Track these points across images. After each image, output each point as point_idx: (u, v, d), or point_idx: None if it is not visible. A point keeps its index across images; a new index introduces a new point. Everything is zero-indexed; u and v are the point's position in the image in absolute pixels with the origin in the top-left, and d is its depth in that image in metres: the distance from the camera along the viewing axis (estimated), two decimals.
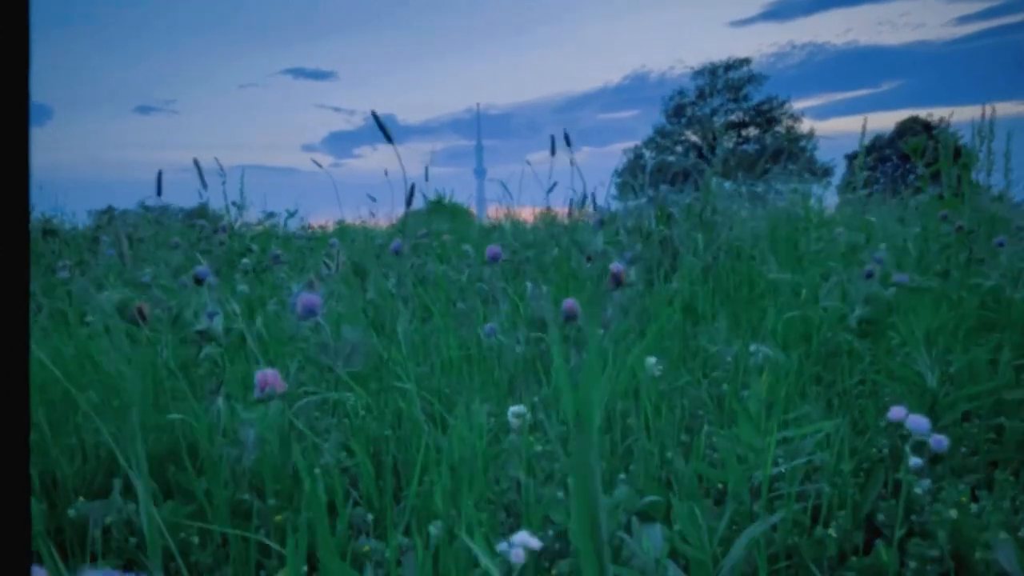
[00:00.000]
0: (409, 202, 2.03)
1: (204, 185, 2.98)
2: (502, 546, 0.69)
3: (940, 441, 0.97)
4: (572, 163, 2.93)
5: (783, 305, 1.90)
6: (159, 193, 2.61)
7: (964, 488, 1.07)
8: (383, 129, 1.61)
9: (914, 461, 0.97)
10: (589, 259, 2.72)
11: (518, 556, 0.67)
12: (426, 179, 3.10)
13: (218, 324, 1.52)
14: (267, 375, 1.02)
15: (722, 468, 1.03)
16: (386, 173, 2.47)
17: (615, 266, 1.67)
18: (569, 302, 1.45)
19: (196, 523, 1.13)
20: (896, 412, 0.96)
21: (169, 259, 3.26)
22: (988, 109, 3.05)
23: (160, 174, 2.57)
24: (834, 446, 1.12)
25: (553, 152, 2.79)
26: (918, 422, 0.95)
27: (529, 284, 2.29)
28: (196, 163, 2.95)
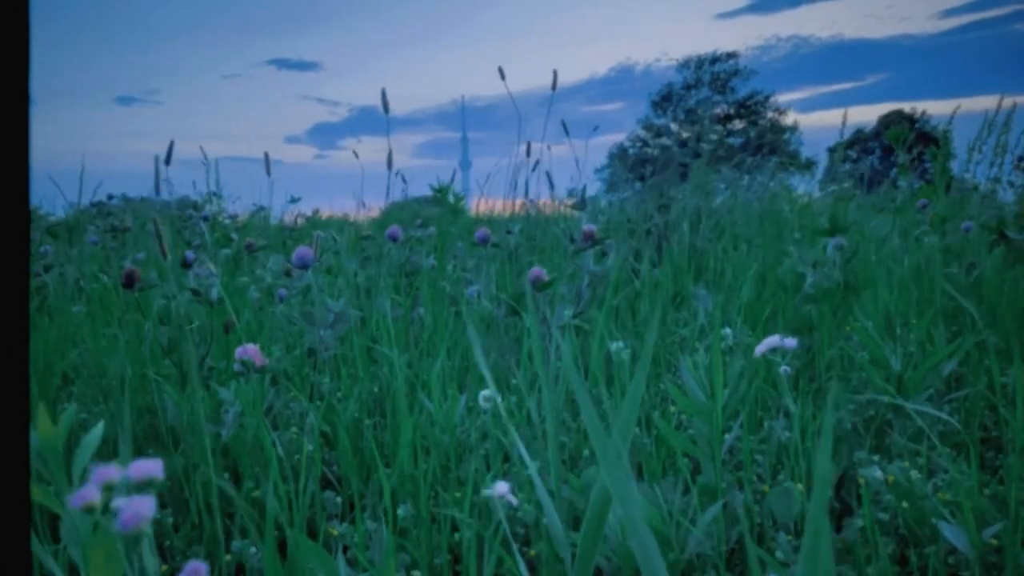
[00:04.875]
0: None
1: (206, 168, 2.98)
2: (486, 491, 0.72)
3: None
4: (538, 152, 2.97)
5: (753, 282, 1.93)
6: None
7: (916, 464, 1.10)
8: (385, 105, 1.64)
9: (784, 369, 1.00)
10: (572, 239, 2.76)
11: (502, 490, 0.70)
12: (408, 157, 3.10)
13: (213, 284, 1.53)
14: (247, 349, 1.03)
15: (691, 443, 1.05)
16: (355, 154, 2.47)
17: (586, 226, 1.70)
18: (536, 270, 1.48)
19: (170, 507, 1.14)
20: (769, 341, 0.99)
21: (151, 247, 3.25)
22: (979, 102, 3.12)
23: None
24: (796, 426, 1.14)
25: (567, 132, 2.90)
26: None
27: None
28: (204, 152, 2.98)
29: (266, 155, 2.35)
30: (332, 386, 1.50)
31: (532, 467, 0.70)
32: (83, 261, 2.85)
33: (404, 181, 3.63)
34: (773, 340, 0.99)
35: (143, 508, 0.45)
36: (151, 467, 0.47)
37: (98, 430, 0.71)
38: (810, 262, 1.71)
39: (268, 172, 2.38)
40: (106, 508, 0.47)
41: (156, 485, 0.48)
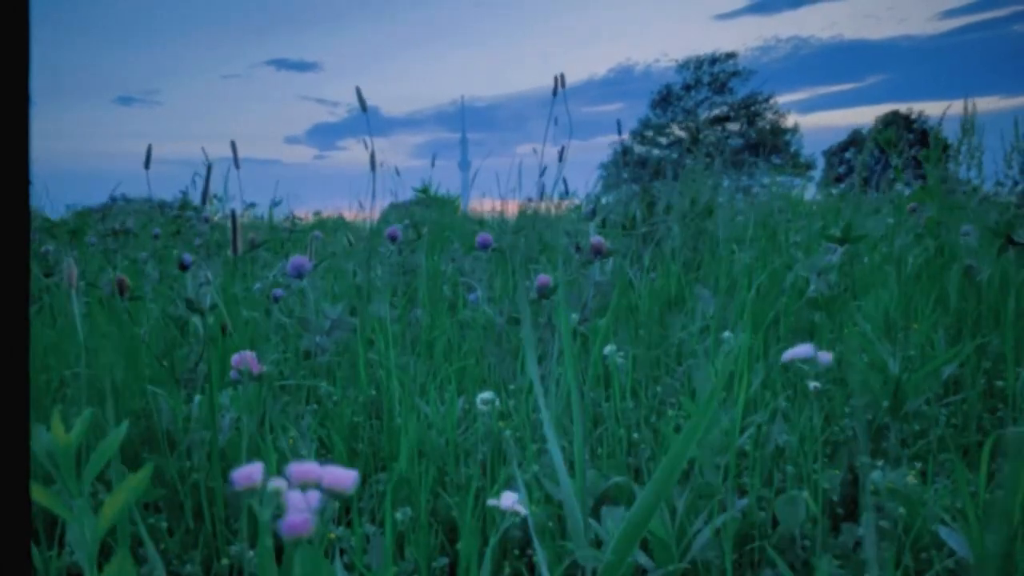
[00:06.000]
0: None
1: (208, 169, 2.95)
2: (492, 501, 0.71)
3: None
4: (540, 153, 2.97)
5: (755, 287, 1.93)
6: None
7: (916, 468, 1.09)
8: (361, 102, 1.62)
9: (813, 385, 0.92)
10: (579, 249, 2.75)
11: (509, 501, 0.68)
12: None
13: (205, 294, 1.52)
14: (244, 356, 1.02)
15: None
16: (373, 157, 2.46)
17: (595, 238, 1.69)
18: (543, 277, 1.48)
19: (167, 509, 1.13)
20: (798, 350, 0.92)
21: (152, 249, 3.24)
22: (970, 104, 3.11)
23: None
24: (797, 429, 1.14)
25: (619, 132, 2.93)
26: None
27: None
28: (206, 154, 2.95)
29: (232, 144, 2.27)
30: (328, 390, 1.49)
31: (557, 457, 0.69)
32: (84, 263, 2.84)
33: (397, 174, 3.66)
34: (805, 350, 0.89)
35: (312, 513, 0.43)
36: (344, 477, 0.45)
37: (120, 431, 0.68)
38: (816, 270, 1.71)
39: (236, 165, 2.31)
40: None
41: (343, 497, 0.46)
